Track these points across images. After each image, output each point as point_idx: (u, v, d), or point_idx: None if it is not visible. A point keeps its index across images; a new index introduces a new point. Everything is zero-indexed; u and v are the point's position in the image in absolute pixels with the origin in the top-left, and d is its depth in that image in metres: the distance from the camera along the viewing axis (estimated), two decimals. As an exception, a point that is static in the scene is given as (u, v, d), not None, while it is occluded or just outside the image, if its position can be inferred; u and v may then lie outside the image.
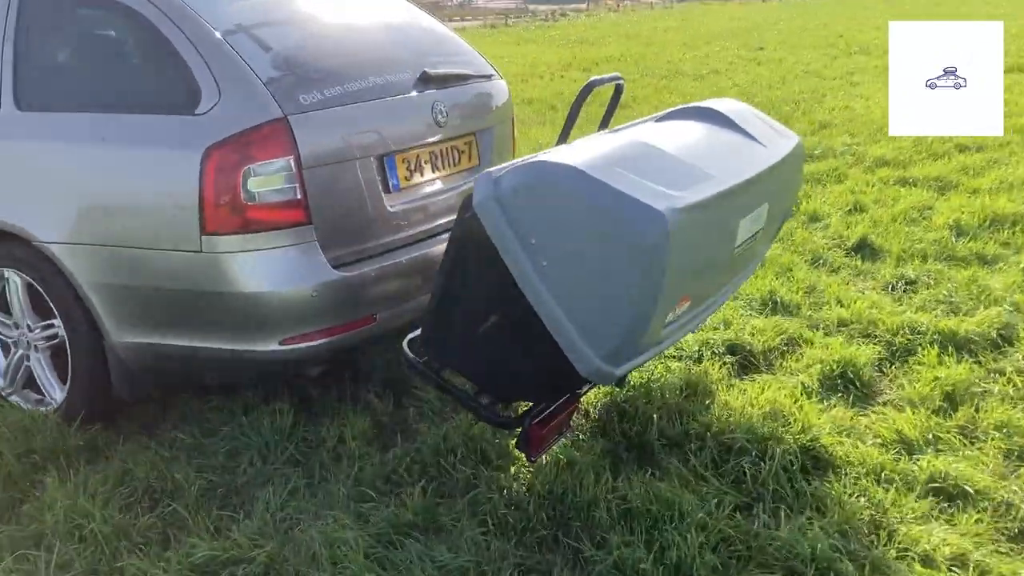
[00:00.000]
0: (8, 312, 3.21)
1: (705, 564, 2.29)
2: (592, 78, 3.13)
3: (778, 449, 2.77)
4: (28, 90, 3.10)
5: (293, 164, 2.70)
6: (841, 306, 3.99)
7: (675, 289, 2.24)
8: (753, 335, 3.71)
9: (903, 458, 2.81)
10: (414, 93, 3.19)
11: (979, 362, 3.42)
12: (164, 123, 2.81)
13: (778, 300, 4.08)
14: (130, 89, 2.98)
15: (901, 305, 4.01)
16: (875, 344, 3.61)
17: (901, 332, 3.66)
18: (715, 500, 2.55)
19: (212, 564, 2.40)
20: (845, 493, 2.62)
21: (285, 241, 2.74)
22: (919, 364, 3.43)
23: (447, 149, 3.33)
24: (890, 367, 3.45)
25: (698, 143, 2.69)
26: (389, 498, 2.67)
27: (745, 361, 3.55)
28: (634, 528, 2.46)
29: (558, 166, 2.18)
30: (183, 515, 2.61)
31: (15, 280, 3.10)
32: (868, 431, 2.99)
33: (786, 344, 3.67)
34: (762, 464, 2.72)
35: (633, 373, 3.36)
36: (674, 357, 3.58)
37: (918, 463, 2.76)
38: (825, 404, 3.17)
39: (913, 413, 3.04)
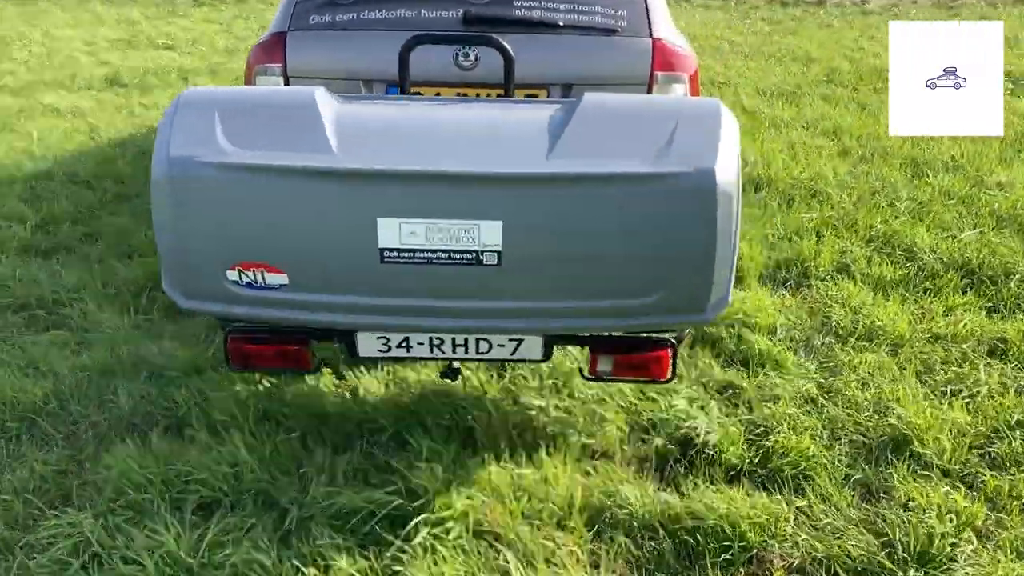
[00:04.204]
0: None
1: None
2: (421, 33, 2.69)
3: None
4: None
5: (281, 71, 3.28)
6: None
7: (207, 242, 2.21)
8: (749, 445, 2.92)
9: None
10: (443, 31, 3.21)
11: None
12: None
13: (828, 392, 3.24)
14: None
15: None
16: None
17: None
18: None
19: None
20: None
21: None
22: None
23: (488, 96, 3.22)
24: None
25: (446, 127, 2.31)
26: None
27: (683, 461, 2.84)
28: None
29: (184, 94, 2.25)
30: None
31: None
32: None
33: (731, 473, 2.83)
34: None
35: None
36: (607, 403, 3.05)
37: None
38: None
39: None
